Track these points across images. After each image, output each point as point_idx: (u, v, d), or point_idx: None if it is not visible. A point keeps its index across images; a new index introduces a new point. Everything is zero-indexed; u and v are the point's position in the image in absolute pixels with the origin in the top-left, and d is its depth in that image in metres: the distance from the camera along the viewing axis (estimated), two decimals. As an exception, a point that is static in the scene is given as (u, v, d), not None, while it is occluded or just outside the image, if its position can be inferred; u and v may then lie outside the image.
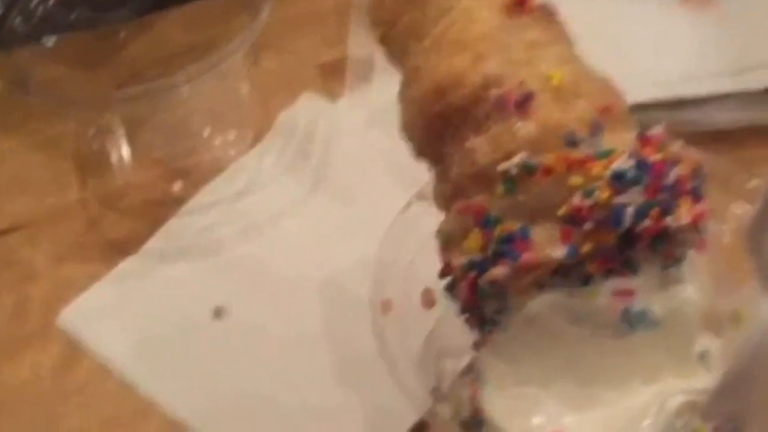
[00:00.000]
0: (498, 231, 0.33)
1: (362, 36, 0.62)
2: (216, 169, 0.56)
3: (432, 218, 0.37)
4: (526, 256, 0.32)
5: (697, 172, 0.35)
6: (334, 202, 0.53)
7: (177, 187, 0.56)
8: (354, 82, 0.59)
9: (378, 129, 0.55)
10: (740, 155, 0.57)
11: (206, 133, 0.58)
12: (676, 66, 0.60)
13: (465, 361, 0.38)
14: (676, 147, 0.35)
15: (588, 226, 0.32)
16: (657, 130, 0.35)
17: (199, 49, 0.56)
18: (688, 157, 0.35)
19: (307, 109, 0.58)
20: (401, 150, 0.38)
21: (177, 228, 0.54)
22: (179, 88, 0.52)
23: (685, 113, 0.59)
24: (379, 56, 0.60)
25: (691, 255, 0.35)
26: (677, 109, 0.59)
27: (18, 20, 0.57)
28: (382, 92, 0.58)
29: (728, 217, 0.41)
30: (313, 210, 0.53)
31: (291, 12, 0.66)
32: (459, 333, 0.37)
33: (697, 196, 0.34)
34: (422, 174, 0.38)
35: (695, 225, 0.33)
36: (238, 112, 0.60)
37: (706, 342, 0.36)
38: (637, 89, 0.57)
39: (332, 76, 0.61)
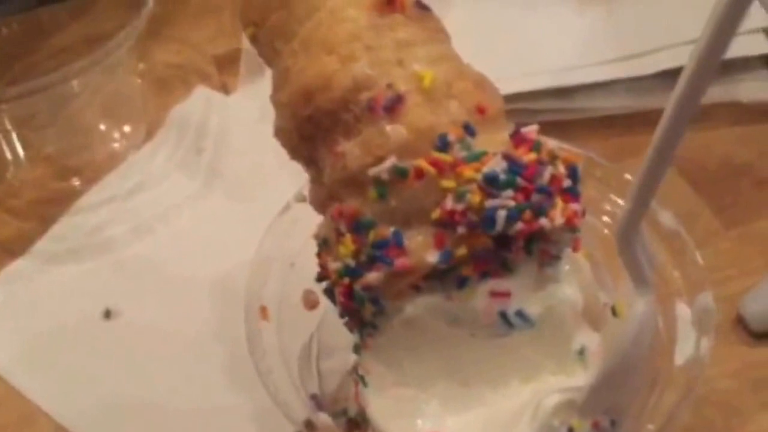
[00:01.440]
0: (371, 236, 0.32)
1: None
2: (109, 165, 0.55)
3: (312, 219, 0.36)
4: (400, 262, 0.32)
5: (573, 170, 0.35)
6: (226, 198, 0.53)
7: (69, 184, 0.55)
8: (247, 74, 0.58)
9: (270, 124, 0.54)
10: (629, 140, 0.58)
11: (99, 128, 0.57)
12: (566, 54, 0.61)
13: (350, 358, 0.38)
14: (551, 144, 0.35)
15: (461, 230, 0.31)
16: (531, 129, 0.34)
17: (92, 41, 0.54)
18: (564, 154, 0.35)
19: (200, 103, 0.57)
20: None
21: (67, 228, 0.52)
22: (70, 84, 0.51)
23: (575, 100, 0.60)
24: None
25: (568, 252, 0.36)
26: (567, 96, 0.60)
27: None
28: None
29: (606, 210, 0.41)
30: (206, 207, 0.53)
31: (186, 2, 0.65)
32: (338, 331, 0.37)
33: (572, 194, 0.34)
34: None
35: (570, 225, 0.33)
36: (131, 106, 0.59)
37: (583, 339, 0.36)
38: (528, 77, 0.59)
39: (227, 68, 0.60)
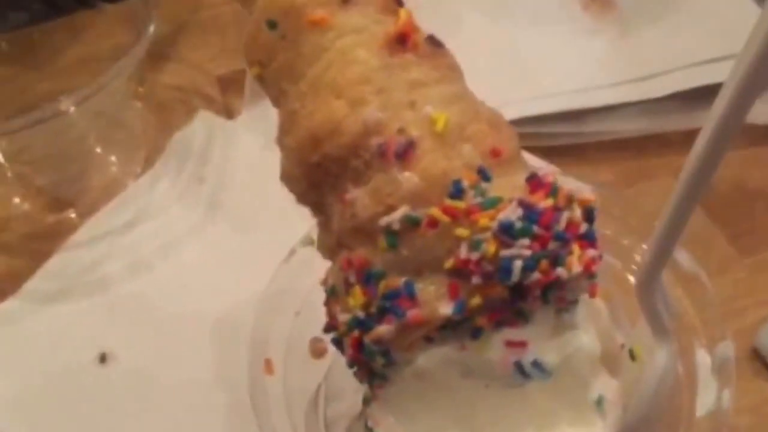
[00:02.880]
0: (382, 287, 0.31)
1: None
2: (106, 195, 0.53)
3: (318, 264, 0.35)
4: (412, 314, 0.30)
5: (589, 213, 0.33)
6: (229, 230, 0.51)
7: (63, 217, 0.52)
8: (252, 96, 0.56)
9: (275, 150, 0.53)
10: (642, 164, 0.57)
11: (96, 156, 0.55)
12: (578, 76, 0.60)
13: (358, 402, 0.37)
14: (569, 187, 0.33)
15: (476, 279, 0.30)
16: (548, 172, 0.33)
17: (88, 62, 0.53)
18: (580, 197, 0.33)
19: (203, 128, 0.56)
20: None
21: (61, 265, 0.50)
22: (66, 112, 0.49)
23: (587, 124, 0.59)
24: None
25: (584, 297, 0.34)
26: (581, 119, 0.59)
27: None
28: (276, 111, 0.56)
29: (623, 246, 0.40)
30: (207, 240, 0.51)
31: (188, 21, 0.63)
32: (347, 376, 0.35)
33: (589, 240, 0.33)
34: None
35: (587, 272, 0.32)
36: (130, 132, 0.57)
37: (601, 387, 0.35)
38: (539, 100, 0.57)
39: (231, 89, 0.58)
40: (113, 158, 0.55)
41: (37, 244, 0.51)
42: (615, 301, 0.39)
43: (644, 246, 0.36)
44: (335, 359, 0.37)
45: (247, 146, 0.55)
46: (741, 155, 0.57)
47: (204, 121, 0.57)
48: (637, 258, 0.40)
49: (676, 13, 0.63)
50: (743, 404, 0.44)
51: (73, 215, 0.53)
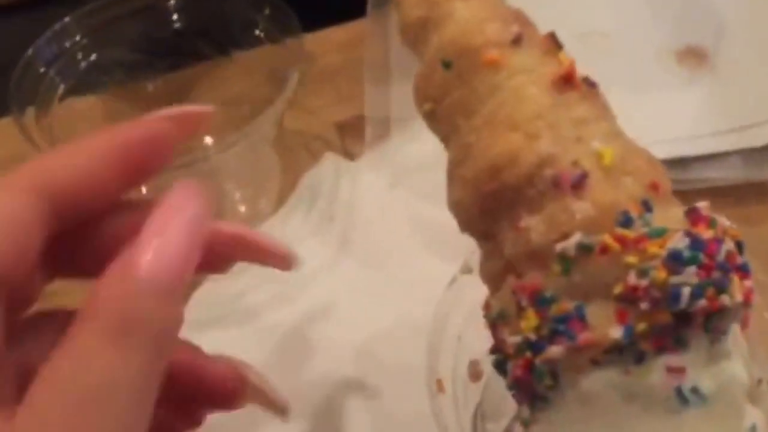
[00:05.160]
0: (553, 310, 0.33)
1: (376, 95, 0.62)
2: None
3: (476, 290, 0.37)
4: (583, 336, 0.32)
5: (740, 246, 0.35)
6: (361, 266, 0.53)
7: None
8: (372, 141, 0.59)
9: (401, 189, 0.55)
10: (743, 212, 0.58)
11: (233, 197, 0.57)
12: (677, 126, 0.61)
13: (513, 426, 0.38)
14: (723, 221, 0.35)
15: (644, 305, 0.32)
16: (704, 205, 0.35)
17: (230, 105, 0.55)
18: (732, 231, 0.35)
19: (330, 169, 0.58)
20: (425, 211, 0.37)
21: (208, 296, 0.52)
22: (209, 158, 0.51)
23: (687, 171, 0.60)
24: (395, 115, 0.60)
25: (734, 327, 0.36)
26: (680, 167, 0.60)
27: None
28: (400, 151, 0.58)
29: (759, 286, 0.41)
30: (341, 275, 0.53)
31: (302, 69, 0.66)
32: (503, 397, 0.36)
33: (744, 270, 0.34)
34: (448, 235, 0.37)
35: (746, 302, 0.33)
36: (263, 175, 0.60)
37: (754, 415, 0.36)
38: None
39: (349, 135, 0.61)
40: (248, 201, 0.58)
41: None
42: (752, 335, 0.40)
43: None
44: (488, 382, 0.39)
45: (373, 186, 0.57)
46: None
47: (331, 162, 0.59)
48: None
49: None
50: None
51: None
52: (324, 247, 0.54)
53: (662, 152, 0.59)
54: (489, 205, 0.34)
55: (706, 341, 0.34)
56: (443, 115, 0.36)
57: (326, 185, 0.56)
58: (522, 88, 0.34)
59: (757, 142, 0.60)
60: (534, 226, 0.33)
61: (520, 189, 0.33)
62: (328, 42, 0.69)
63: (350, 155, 0.60)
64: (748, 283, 0.34)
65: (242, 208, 0.58)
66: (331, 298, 0.52)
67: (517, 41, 0.35)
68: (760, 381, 0.39)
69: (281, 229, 0.55)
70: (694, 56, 0.68)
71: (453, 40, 0.35)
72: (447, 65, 0.35)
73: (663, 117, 0.62)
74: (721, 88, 0.64)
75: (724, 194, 0.60)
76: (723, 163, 0.61)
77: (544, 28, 0.36)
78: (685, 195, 0.59)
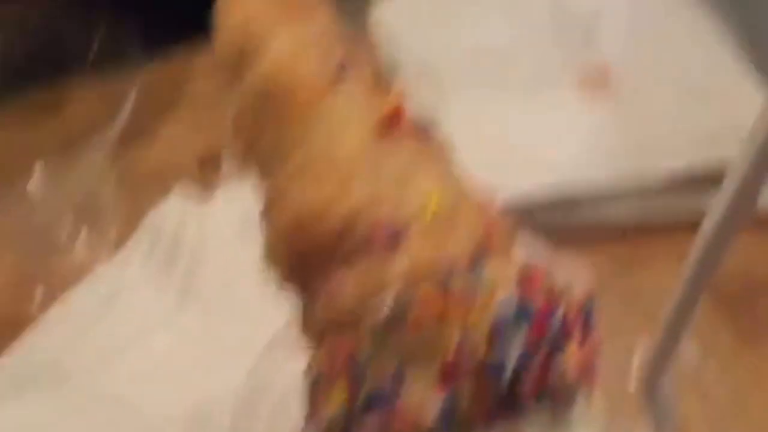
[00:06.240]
0: (369, 379, 0.29)
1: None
2: (73, 278, 0.50)
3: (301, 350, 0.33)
4: (399, 410, 0.29)
5: (586, 306, 0.32)
6: (202, 319, 0.48)
7: (22, 305, 0.49)
8: (228, 177, 0.55)
9: (252, 230, 0.51)
10: (636, 253, 0.56)
11: (63, 235, 0.52)
12: (571, 160, 0.59)
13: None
14: (563, 276, 0.32)
15: (467, 375, 0.28)
16: (541, 261, 0.32)
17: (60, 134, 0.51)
18: (576, 291, 0.32)
19: (176, 207, 0.54)
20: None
21: (18, 357, 0.46)
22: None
23: (580, 212, 0.58)
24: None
25: (581, 395, 0.33)
26: (572, 208, 0.57)
27: None
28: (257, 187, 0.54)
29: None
30: (179, 330, 0.48)
31: (162, 94, 0.62)
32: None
33: (585, 336, 0.31)
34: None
35: (584, 369, 0.31)
36: (102, 209, 0.55)
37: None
38: (531, 187, 0.56)
39: (206, 167, 0.57)
40: (83, 239, 0.53)
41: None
42: (614, 403, 0.37)
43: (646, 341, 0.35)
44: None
45: (222, 228, 0.53)
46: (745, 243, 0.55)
47: (177, 200, 0.55)
48: (636, 356, 0.38)
49: (673, 87, 0.63)
50: None
51: (36, 300, 0.49)
52: (162, 298, 0.49)
53: (555, 190, 0.57)
54: (300, 260, 0.30)
55: (545, 413, 0.31)
56: (257, 158, 0.32)
57: (171, 225, 0.52)
58: (339, 131, 0.30)
59: (653, 179, 0.57)
60: (345, 287, 0.29)
61: (331, 246, 0.29)
62: (192, 68, 0.65)
63: (205, 190, 0.55)
64: (588, 347, 0.31)
65: (76, 249, 0.52)
66: (162, 359, 0.46)
67: (337, 79, 0.32)
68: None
69: (118, 275, 0.50)
70: (595, 79, 0.65)
71: (267, 77, 0.32)
72: (261, 104, 0.31)
73: (558, 151, 0.59)
74: (620, 121, 0.61)
75: (617, 236, 0.57)
76: (616, 202, 0.58)
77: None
78: (575, 233, 0.57)
